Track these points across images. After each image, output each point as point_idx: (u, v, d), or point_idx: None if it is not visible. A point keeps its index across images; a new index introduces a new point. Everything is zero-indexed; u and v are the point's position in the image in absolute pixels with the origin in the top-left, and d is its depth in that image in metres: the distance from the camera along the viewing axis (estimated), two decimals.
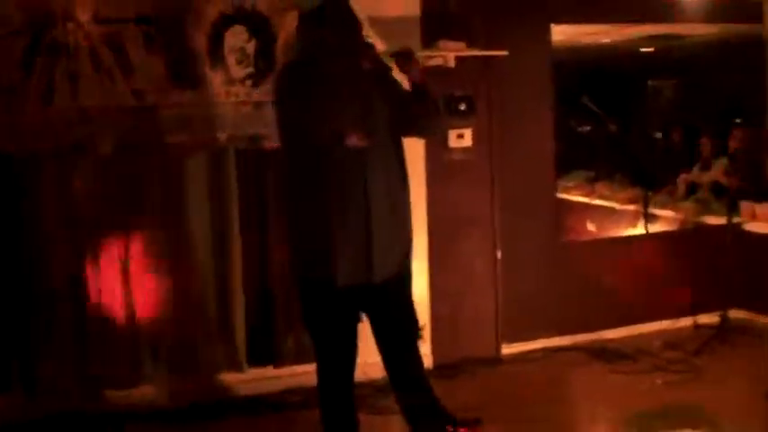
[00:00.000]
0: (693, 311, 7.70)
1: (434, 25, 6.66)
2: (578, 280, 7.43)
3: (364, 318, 4.86)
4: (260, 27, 6.11)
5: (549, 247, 7.36)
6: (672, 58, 10.40)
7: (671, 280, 7.74)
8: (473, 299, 7.00)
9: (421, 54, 6.07)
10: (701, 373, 6.55)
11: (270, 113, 5.97)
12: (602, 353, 7.12)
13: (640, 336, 7.51)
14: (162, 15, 5.85)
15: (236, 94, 6.07)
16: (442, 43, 6.66)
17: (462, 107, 6.80)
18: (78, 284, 5.93)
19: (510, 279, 7.12)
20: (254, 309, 6.39)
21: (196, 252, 6.20)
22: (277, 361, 6.45)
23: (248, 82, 6.10)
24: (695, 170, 9.21)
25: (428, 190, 6.69)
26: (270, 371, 6.45)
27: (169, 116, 5.91)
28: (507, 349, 7.16)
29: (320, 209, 4.51)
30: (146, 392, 6.10)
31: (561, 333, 7.36)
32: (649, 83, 11.39)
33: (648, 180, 8.63)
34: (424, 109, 4.66)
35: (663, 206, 8.66)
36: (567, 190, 9.59)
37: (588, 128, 10.99)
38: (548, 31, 7.27)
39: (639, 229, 8.39)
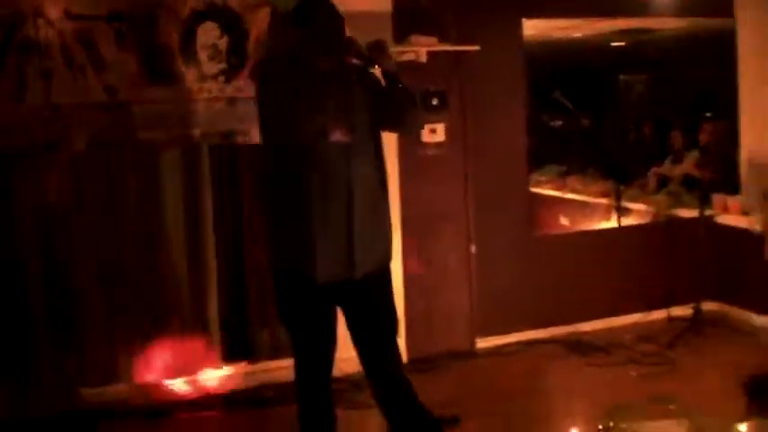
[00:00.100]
0: (667, 304, 7.74)
1: (406, 20, 6.66)
2: (552, 274, 7.46)
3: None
4: (232, 23, 6.10)
5: (522, 241, 7.39)
6: (643, 52, 10.43)
7: (644, 273, 7.78)
8: (447, 293, 7.01)
9: (393, 50, 6.07)
10: (675, 366, 6.60)
11: (242, 109, 6.04)
12: (576, 346, 7.16)
13: (614, 329, 7.56)
14: (134, 12, 5.84)
15: (208, 91, 6.07)
16: (413, 38, 6.66)
17: (435, 102, 6.81)
18: (52, 282, 5.90)
19: (484, 273, 7.15)
20: (229, 305, 6.38)
21: (170, 248, 6.18)
22: (252, 357, 6.44)
23: (221, 78, 6.09)
24: (666, 163, 9.25)
25: (402, 185, 6.69)
26: (245, 366, 6.45)
27: (142, 113, 5.90)
28: (482, 343, 7.19)
29: (302, 204, 4.49)
30: (120, 390, 6.08)
31: (535, 327, 7.39)
32: (620, 77, 11.43)
33: (620, 174, 8.66)
34: (400, 100, 4.65)
35: (635, 199, 8.68)
36: (539, 184, 9.61)
37: (560, 122, 11.01)
38: (519, 26, 7.29)
39: (612, 223, 8.42)
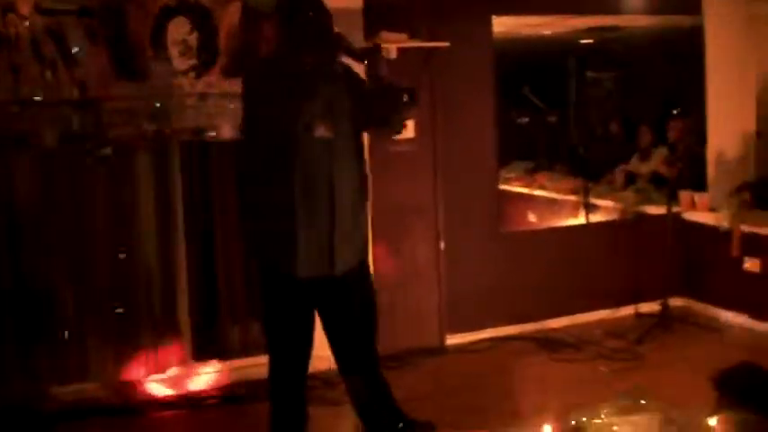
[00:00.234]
0: (634, 300, 7.79)
1: (376, 17, 6.65)
2: (521, 270, 7.49)
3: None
4: (202, 19, 6.10)
5: (491, 237, 7.41)
6: (611, 49, 10.47)
7: (612, 269, 7.83)
8: (417, 289, 7.02)
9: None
10: (644, 361, 6.65)
11: (213, 105, 6.02)
12: (545, 342, 7.19)
13: (583, 325, 7.61)
14: (104, 7, 5.81)
15: (179, 87, 6.05)
16: (384, 34, 6.64)
17: (405, 99, 6.80)
18: (21, 279, 5.86)
19: (453, 269, 7.16)
20: (199, 303, 6.38)
21: (140, 245, 6.17)
22: (222, 355, 6.44)
23: (191, 74, 6.09)
24: (634, 160, 9.29)
25: (371, 181, 6.68)
26: (215, 365, 6.44)
27: (113, 108, 5.87)
28: (451, 339, 7.21)
29: (284, 200, 4.50)
30: (91, 388, 6.05)
31: (504, 323, 7.42)
32: (588, 74, 11.46)
33: (588, 170, 8.69)
34: (392, 106, 4.67)
35: (603, 196, 8.71)
36: (507, 181, 9.62)
37: (527, 119, 11.04)
38: (489, 23, 7.30)
39: (580, 220, 8.46)
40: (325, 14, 4.63)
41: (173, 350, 6.27)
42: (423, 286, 7.05)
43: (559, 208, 9.09)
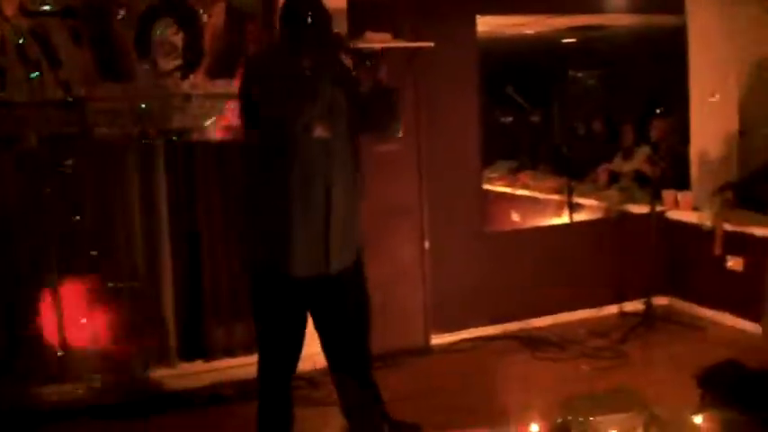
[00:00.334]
0: (618, 299, 7.84)
1: (361, 16, 6.65)
2: (505, 269, 7.50)
3: None
4: (187, 19, 6.10)
5: (476, 236, 7.42)
6: (594, 48, 10.50)
7: (596, 268, 7.86)
8: (402, 289, 7.02)
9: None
10: (628, 360, 6.68)
11: (198, 106, 6.01)
12: (530, 341, 7.21)
13: (567, 324, 7.63)
14: (88, 8, 5.80)
15: (164, 87, 6.04)
16: (368, 34, 6.64)
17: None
18: (4, 279, 5.85)
19: (438, 269, 7.17)
20: (184, 303, 6.38)
21: (125, 245, 6.15)
22: (207, 355, 6.44)
23: (176, 74, 6.08)
24: (617, 159, 9.32)
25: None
26: (200, 365, 6.44)
27: (97, 109, 5.87)
28: (436, 339, 7.22)
29: (282, 200, 4.51)
30: (75, 388, 6.03)
31: (489, 322, 7.44)
32: (571, 73, 11.50)
33: (571, 169, 8.72)
34: (388, 110, 4.71)
35: (586, 195, 8.74)
36: (491, 180, 9.65)
37: (510, 118, 11.06)
38: (473, 23, 7.32)
39: (564, 219, 8.49)
40: (324, 15, 4.66)
41: (158, 350, 6.27)
42: (408, 286, 7.05)
43: (543, 207, 9.12)
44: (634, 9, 7.77)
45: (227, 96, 6.17)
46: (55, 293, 5.96)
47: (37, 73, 5.67)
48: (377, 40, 6.62)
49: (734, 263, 7.36)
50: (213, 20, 6.13)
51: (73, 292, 6.01)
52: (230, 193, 6.38)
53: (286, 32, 4.66)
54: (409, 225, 7.04)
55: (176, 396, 6.19)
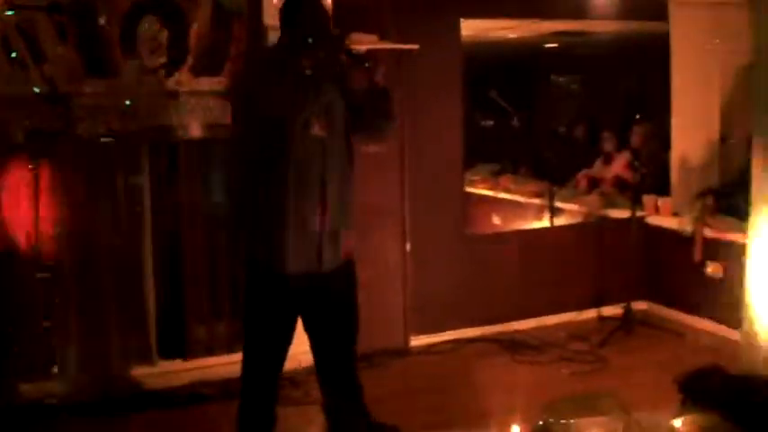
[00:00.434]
0: (598, 303, 7.85)
1: (346, 18, 6.64)
2: (486, 272, 7.53)
3: None
4: (173, 17, 6.09)
5: (457, 239, 7.44)
6: (576, 54, 10.54)
7: (576, 272, 7.89)
8: (382, 290, 7.01)
9: None
10: (607, 364, 6.71)
11: (182, 103, 6.01)
12: (509, 344, 7.22)
13: (546, 327, 7.65)
14: (74, 3, 5.78)
15: (148, 84, 6.03)
16: (353, 36, 6.65)
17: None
18: None
19: (419, 271, 7.17)
20: (165, 302, 6.37)
21: (107, 243, 6.13)
22: (188, 354, 6.43)
23: (161, 72, 6.07)
24: (597, 164, 9.35)
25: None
26: (180, 364, 6.44)
27: (82, 105, 5.85)
28: (416, 341, 7.23)
29: (278, 194, 4.53)
30: (56, 386, 6.00)
31: (469, 325, 7.45)
32: (553, 78, 11.53)
33: (552, 174, 8.74)
34: (383, 112, 4.74)
35: (567, 200, 8.76)
36: (472, 183, 9.65)
37: (492, 122, 11.08)
38: (457, 26, 7.33)
39: (545, 223, 8.51)
40: (323, 15, 4.70)
41: (138, 348, 6.26)
42: (388, 287, 7.04)
43: (524, 211, 9.13)
44: (617, 15, 7.79)
45: (213, 94, 6.19)
46: (36, 288, 5.93)
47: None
48: (363, 42, 6.63)
49: (713, 269, 7.39)
50: (199, 17, 6.11)
51: (55, 288, 5.98)
52: (213, 191, 6.38)
53: (285, 32, 4.68)
54: (391, 226, 7.04)
55: (156, 394, 6.17)
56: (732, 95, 8.04)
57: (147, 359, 6.31)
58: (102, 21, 5.87)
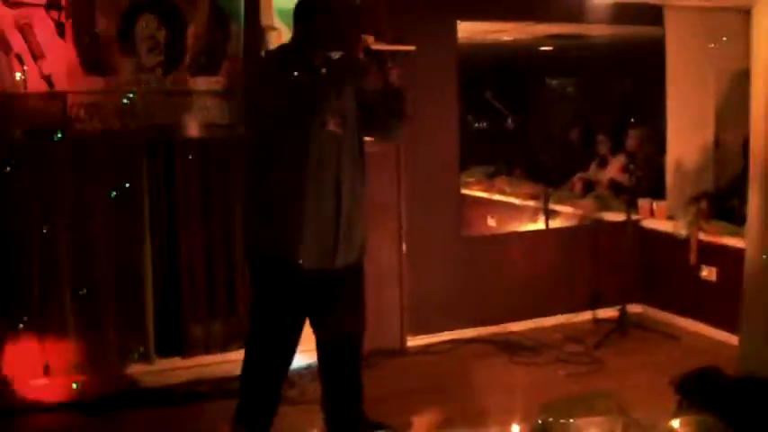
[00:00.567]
0: (593, 305, 7.87)
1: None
2: (481, 274, 7.54)
3: None
4: (170, 16, 6.08)
5: (453, 240, 7.45)
6: (571, 57, 10.56)
7: (571, 275, 7.91)
8: (379, 291, 7.01)
9: None
10: (602, 366, 6.71)
11: (179, 102, 6.02)
12: (505, 345, 7.23)
13: (542, 329, 7.67)
14: (72, 1, 5.77)
15: (146, 83, 6.03)
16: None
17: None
18: None
19: (415, 272, 7.19)
20: (163, 299, 6.37)
21: (105, 241, 6.13)
22: (185, 352, 6.43)
23: (159, 70, 6.07)
24: (592, 168, 9.37)
25: None
26: (178, 361, 6.44)
27: (79, 103, 5.85)
28: (412, 341, 7.24)
29: (295, 192, 4.56)
30: (53, 384, 6.00)
31: (465, 326, 7.46)
32: (548, 81, 11.56)
33: (547, 176, 8.77)
34: (396, 112, 4.77)
35: (562, 202, 8.79)
36: (467, 185, 9.67)
37: (486, 124, 11.10)
38: (454, 28, 7.35)
39: (540, 225, 8.53)
40: (340, 13, 4.72)
41: (136, 346, 6.26)
42: (384, 288, 7.05)
43: (519, 213, 9.15)
44: (613, 19, 7.80)
45: (209, 93, 6.19)
46: (33, 286, 5.94)
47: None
48: None
49: (708, 273, 7.42)
50: (196, 17, 6.12)
51: (52, 287, 5.98)
52: (211, 190, 6.38)
53: (300, 30, 4.71)
54: (387, 227, 7.05)
55: (154, 392, 6.17)
56: (727, 100, 8.06)
57: (145, 357, 6.30)
58: (100, 19, 5.85)
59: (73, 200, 6.00)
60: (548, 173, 8.85)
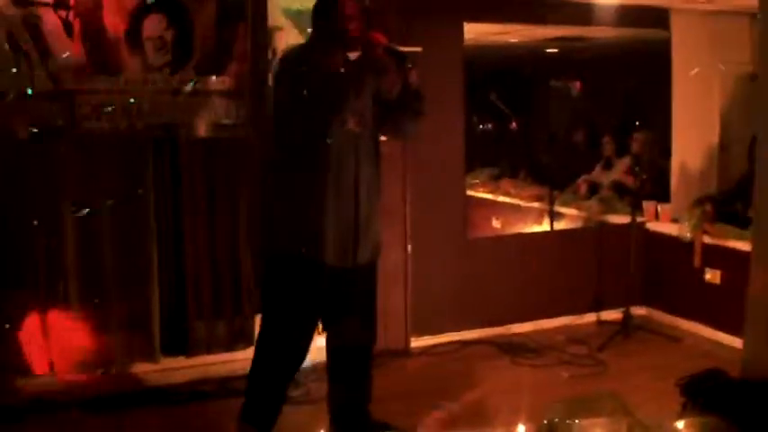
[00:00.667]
0: (597, 307, 7.88)
1: None
2: (486, 275, 7.55)
3: None
4: (178, 16, 6.10)
5: (458, 242, 7.46)
6: (576, 59, 10.55)
7: (575, 276, 7.90)
8: (383, 291, 6.89)
9: None
10: (606, 368, 6.72)
11: (186, 102, 6.03)
12: (508, 347, 7.24)
13: (545, 330, 7.68)
14: (80, 0, 5.79)
15: (153, 82, 6.05)
16: None
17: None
18: None
19: (419, 273, 7.19)
20: (168, 298, 6.38)
21: (111, 240, 6.14)
22: (189, 351, 6.44)
23: (166, 70, 6.09)
24: (597, 170, 9.38)
25: None
26: (182, 361, 6.44)
27: (86, 102, 5.86)
28: (416, 342, 7.24)
29: (315, 188, 4.61)
30: (57, 382, 6.02)
31: (468, 327, 7.46)
32: (553, 83, 11.54)
33: (551, 178, 8.78)
34: (413, 112, 4.81)
35: (567, 204, 8.80)
36: (472, 187, 9.67)
37: (491, 125, 11.10)
38: (461, 29, 7.35)
39: (545, 227, 8.54)
40: (360, 12, 4.75)
41: (142, 345, 6.27)
42: (389, 288, 7.05)
43: (524, 215, 9.16)
44: (619, 22, 7.81)
45: (216, 93, 6.21)
46: (40, 284, 5.95)
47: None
48: None
49: (712, 275, 7.43)
50: (204, 17, 6.13)
51: (58, 284, 5.99)
52: (216, 190, 6.39)
53: (320, 29, 4.74)
54: (393, 228, 7.04)
55: (158, 390, 6.18)
56: (732, 103, 8.08)
57: (150, 356, 6.31)
58: (107, 18, 5.87)
59: (79, 199, 6.00)
60: (552, 175, 8.86)
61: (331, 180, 4.61)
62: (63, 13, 5.77)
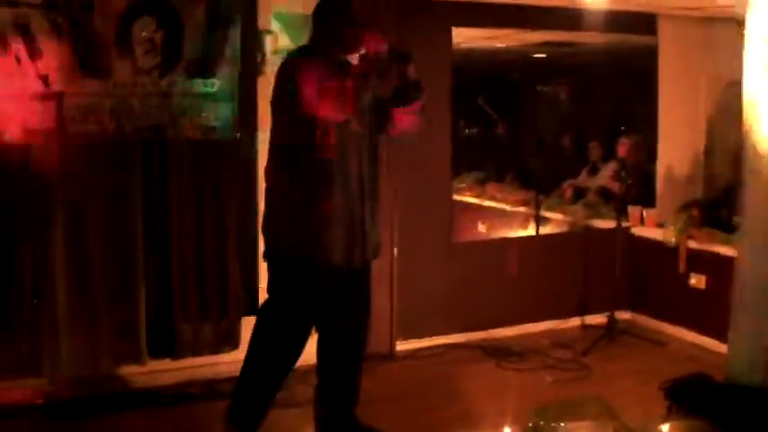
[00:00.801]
0: (581, 312, 7.91)
1: None
2: (471, 279, 7.56)
3: None
4: (168, 18, 6.08)
5: (444, 246, 7.47)
6: (564, 64, 10.58)
7: (560, 281, 7.93)
8: None
9: None
10: (590, 372, 6.74)
11: (175, 104, 6.03)
12: (493, 351, 7.25)
13: (530, 335, 7.69)
14: (70, 2, 5.77)
15: (142, 85, 6.04)
16: None
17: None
18: None
19: (405, 277, 7.19)
20: (154, 300, 6.36)
21: (98, 242, 6.13)
22: (176, 353, 6.43)
23: (155, 72, 6.07)
24: (583, 175, 9.41)
25: None
26: (168, 363, 6.43)
27: (75, 104, 5.85)
28: (401, 346, 7.25)
29: (320, 187, 4.66)
30: (43, 384, 6.01)
31: (453, 331, 7.48)
32: (540, 88, 11.57)
33: (537, 183, 8.80)
34: (416, 104, 4.83)
35: (553, 209, 8.82)
36: (458, 191, 9.69)
37: (477, 130, 11.12)
38: (449, 34, 7.37)
39: (530, 231, 8.56)
40: (359, 13, 4.79)
41: (128, 347, 6.25)
42: (375, 292, 6.99)
43: (509, 219, 9.18)
44: (607, 28, 7.84)
45: (205, 96, 6.20)
46: (26, 286, 5.94)
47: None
48: None
49: (697, 280, 7.47)
50: (193, 20, 6.13)
51: (44, 286, 5.98)
52: (204, 192, 6.39)
53: (320, 31, 4.80)
54: None
55: (145, 393, 6.19)
56: (718, 109, 8.12)
57: (136, 358, 6.30)
58: (97, 20, 5.86)
59: (67, 200, 5.99)
60: (539, 179, 8.89)
61: (335, 179, 4.66)
62: (53, 15, 5.75)
